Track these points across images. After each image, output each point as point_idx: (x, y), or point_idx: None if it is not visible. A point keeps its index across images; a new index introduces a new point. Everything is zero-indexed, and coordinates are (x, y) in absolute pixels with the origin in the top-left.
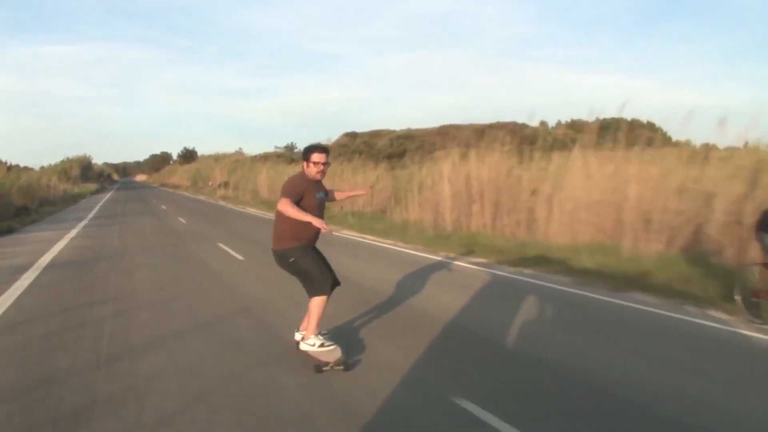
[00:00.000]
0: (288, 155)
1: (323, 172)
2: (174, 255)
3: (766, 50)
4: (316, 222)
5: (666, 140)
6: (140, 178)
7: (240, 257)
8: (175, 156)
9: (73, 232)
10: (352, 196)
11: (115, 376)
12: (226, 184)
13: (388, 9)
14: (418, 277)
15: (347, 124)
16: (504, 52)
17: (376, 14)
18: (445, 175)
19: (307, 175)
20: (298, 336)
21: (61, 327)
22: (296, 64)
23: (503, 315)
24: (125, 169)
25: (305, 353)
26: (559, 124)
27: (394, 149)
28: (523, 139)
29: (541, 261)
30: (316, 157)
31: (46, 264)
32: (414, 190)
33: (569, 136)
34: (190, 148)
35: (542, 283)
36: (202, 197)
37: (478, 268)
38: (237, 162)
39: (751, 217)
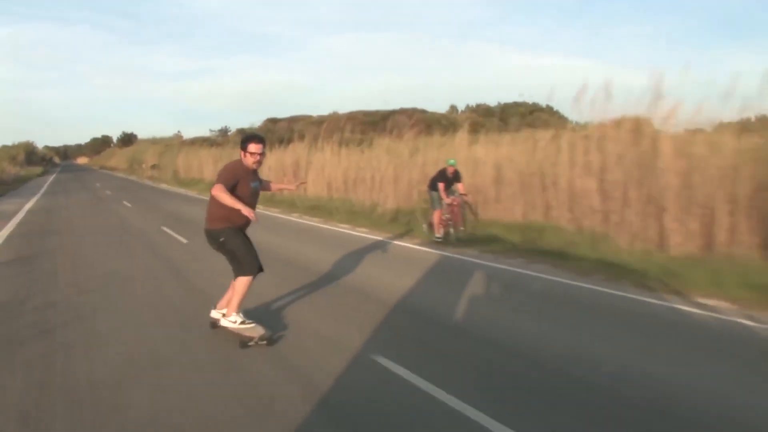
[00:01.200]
0: (213, 139)
1: (259, 162)
2: (96, 206)
3: (704, 34)
4: (244, 210)
5: (561, 122)
6: (81, 161)
7: (130, 206)
8: (115, 139)
9: (34, 199)
10: (283, 189)
11: (69, 223)
12: (155, 166)
13: None
14: None
15: (287, 106)
16: (448, 34)
17: None
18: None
19: (244, 164)
20: (215, 314)
21: (47, 221)
22: (237, 45)
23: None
24: (66, 152)
25: (226, 329)
26: (467, 107)
27: (291, 135)
28: (422, 124)
29: (294, 207)
30: (252, 147)
31: (27, 210)
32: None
33: (471, 119)
34: (129, 132)
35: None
36: (133, 178)
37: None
38: (167, 146)
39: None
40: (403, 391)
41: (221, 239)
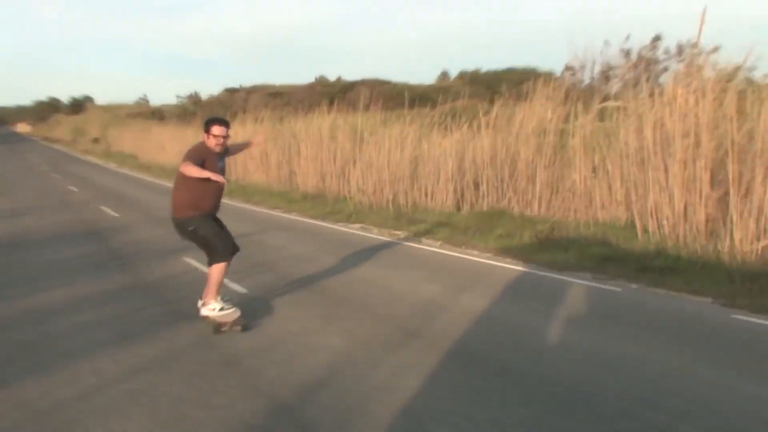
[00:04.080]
0: (163, 111)
1: (223, 145)
2: (23, 167)
3: None
4: (213, 176)
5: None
6: (22, 128)
7: (45, 168)
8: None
9: None
10: (246, 147)
11: (5, 172)
12: (97, 140)
13: None
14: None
15: (292, 58)
16: None
17: None
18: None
19: (207, 146)
20: (200, 304)
21: None
22: None
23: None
24: (3, 117)
25: (206, 318)
26: (463, 73)
27: (247, 107)
28: (381, 96)
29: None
30: (216, 129)
31: None
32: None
33: (454, 88)
34: (83, 96)
35: None
36: (68, 150)
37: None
38: (115, 117)
39: None
40: None
41: (191, 228)
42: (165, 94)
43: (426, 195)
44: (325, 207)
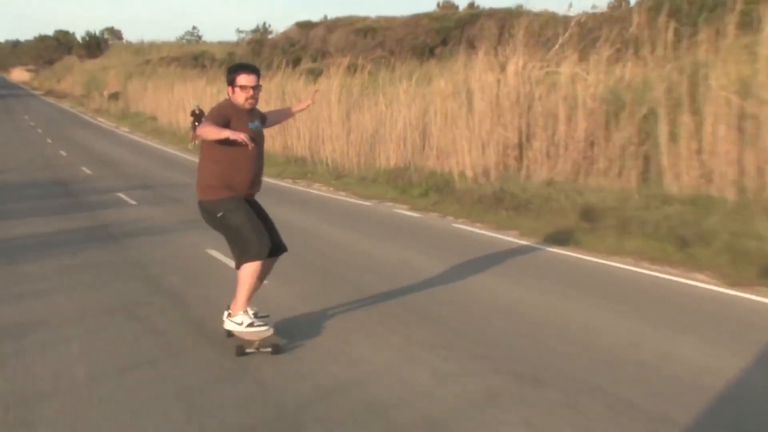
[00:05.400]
0: (208, 56)
1: (254, 99)
2: (14, 132)
3: None
4: (233, 135)
5: None
6: (19, 75)
7: (41, 131)
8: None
9: None
10: (301, 110)
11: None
12: (115, 95)
13: None
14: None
15: None
16: None
17: None
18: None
19: (234, 103)
20: (225, 315)
21: None
22: None
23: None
24: None
25: (230, 332)
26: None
27: (287, 56)
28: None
29: None
30: (242, 79)
31: None
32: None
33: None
34: (100, 32)
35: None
36: (76, 110)
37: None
38: (145, 63)
39: None
40: None
41: (219, 214)
42: (225, 26)
43: (380, 156)
44: (291, 168)
